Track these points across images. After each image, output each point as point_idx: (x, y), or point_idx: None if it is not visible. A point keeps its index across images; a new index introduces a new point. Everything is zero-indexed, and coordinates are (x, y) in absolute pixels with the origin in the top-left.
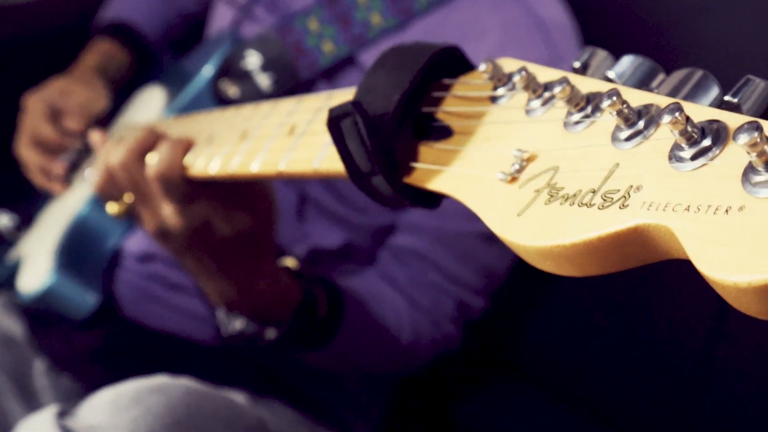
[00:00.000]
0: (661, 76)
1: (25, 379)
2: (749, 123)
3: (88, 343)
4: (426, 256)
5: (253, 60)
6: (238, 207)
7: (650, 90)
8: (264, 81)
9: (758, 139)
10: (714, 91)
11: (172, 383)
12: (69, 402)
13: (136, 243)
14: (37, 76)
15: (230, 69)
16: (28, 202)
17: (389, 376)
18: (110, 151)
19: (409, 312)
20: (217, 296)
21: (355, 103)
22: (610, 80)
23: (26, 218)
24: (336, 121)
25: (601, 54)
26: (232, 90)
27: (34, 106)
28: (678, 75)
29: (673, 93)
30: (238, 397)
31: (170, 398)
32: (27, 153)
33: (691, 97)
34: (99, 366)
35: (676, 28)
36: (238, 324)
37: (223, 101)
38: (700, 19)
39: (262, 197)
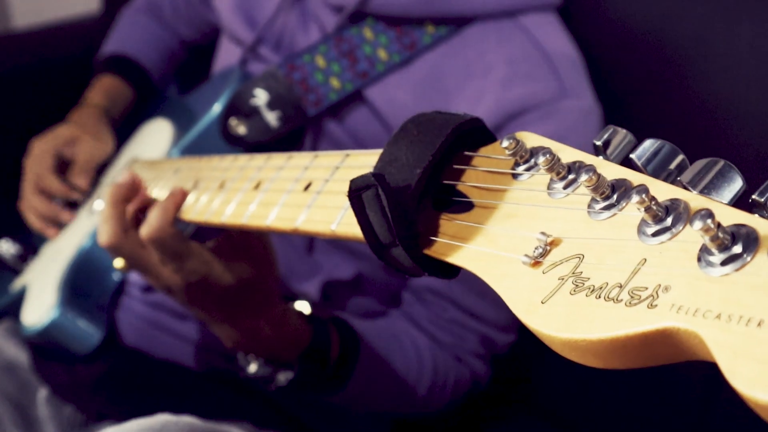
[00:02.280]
0: (679, 158)
1: (27, 408)
2: None
3: (91, 373)
4: (443, 293)
5: (260, 97)
6: (235, 257)
7: (670, 173)
8: (272, 118)
9: None
10: (737, 183)
11: (174, 422)
12: None
13: None
14: (40, 104)
15: (238, 106)
16: (33, 231)
17: (415, 415)
18: (99, 230)
19: (431, 350)
20: (229, 342)
21: (378, 176)
22: (631, 162)
23: (31, 246)
24: (357, 192)
25: (622, 133)
26: (240, 128)
27: (41, 154)
28: (699, 164)
29: (694, 182)
30: None
31: None
32: (31, 198)
33: (713, 187)
34: (102, 396)
35: (676, 62)
36: (252, 367)
37: (231, 138)
38: (702, 46)
39: (258, 245)
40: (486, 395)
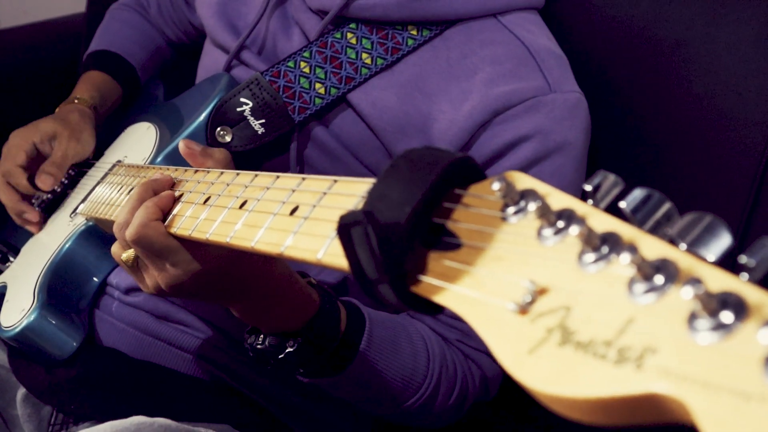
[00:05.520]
0: (667, 206)
1: (5, 408)
2: None
3: (70, 374)
4: None
5: (246, 105)
6: (228, 260)
7: (658, 221)
8: (257, 125)
9: None
10: (725, 240)
11: (149, 423)
12: None
13: (122, 275)
14: (26, 103)
15: (224, 114)
16: (13, 229)
17: (421, 417)
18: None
19: (438, 341)
20: (237, 312)
21: (367, 213)
22: (621, 210)
23: (11, 246)
24: (346, 228)
25: (611, 178)
26: (226, 135)
27: (18, 146)
28: (688, 217)
29: (683, 235)
30: None
31: None
32: (1, 190)
33: (701, 243)
34: (81, 397)
35: (657, 64)
36: (261, 340)
37: (217, 146)
38: (681, 49)
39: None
40: (484, 410)
